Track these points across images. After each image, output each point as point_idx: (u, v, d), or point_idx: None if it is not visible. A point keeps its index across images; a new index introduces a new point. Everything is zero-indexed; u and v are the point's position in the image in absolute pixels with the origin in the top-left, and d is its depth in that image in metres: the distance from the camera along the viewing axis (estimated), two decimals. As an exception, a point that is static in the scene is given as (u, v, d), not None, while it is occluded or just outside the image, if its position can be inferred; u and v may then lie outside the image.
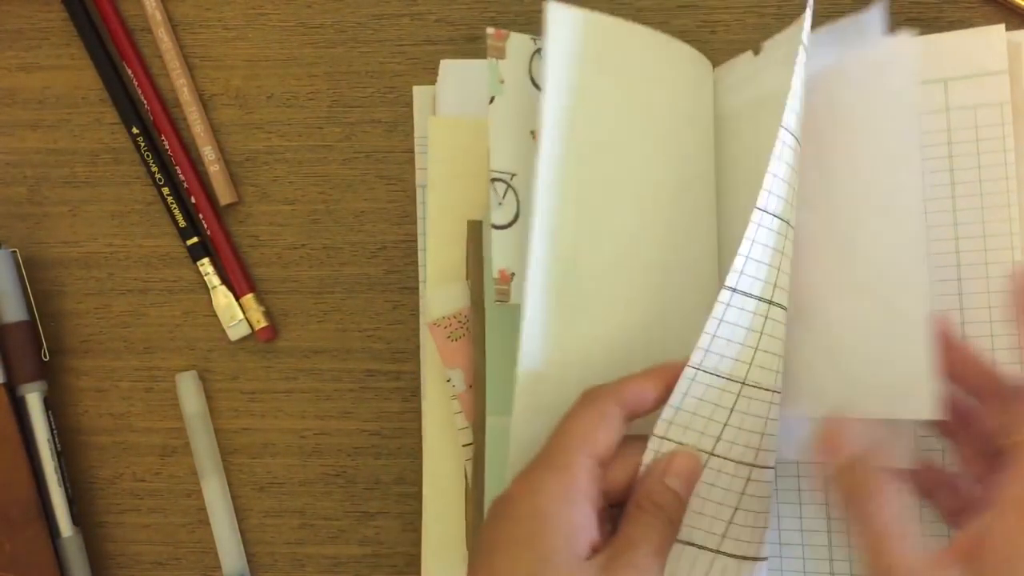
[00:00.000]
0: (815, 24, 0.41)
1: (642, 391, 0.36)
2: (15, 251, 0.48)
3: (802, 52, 0.38)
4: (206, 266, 0.48)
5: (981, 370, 0.38)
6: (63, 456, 0.47)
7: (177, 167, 0.49)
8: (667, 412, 0.37)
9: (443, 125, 0.46)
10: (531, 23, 0.48)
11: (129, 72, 0.49)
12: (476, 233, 0.45)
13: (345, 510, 0.48)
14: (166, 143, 0.49)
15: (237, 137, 0.49)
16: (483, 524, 0.36)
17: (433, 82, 0.47)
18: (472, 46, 0.48)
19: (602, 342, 0.40)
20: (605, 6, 0.48)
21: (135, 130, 0.49)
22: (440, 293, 0.45)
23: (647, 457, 0.36)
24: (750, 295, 0.37)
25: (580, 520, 0.34)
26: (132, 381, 0.49)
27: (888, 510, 0.33)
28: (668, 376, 0.37)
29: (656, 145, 0.42)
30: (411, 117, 0.48)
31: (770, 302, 0.38)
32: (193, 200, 0.49)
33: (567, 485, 0.34)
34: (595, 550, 0.34)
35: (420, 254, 0.47)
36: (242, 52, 0.49)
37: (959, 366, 0.38)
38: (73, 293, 0.50)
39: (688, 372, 0.36)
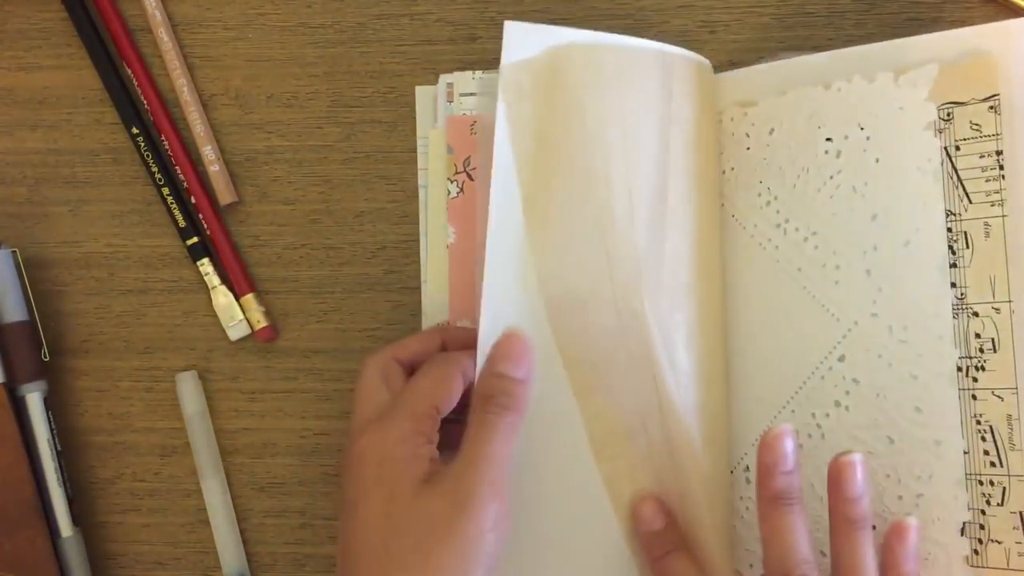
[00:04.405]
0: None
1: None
2: (15, 251, 0.48)
3: None
4: (206, 266, 0.48)
5: None
6: (63, 456, 0.47)
7: (177, 167, 0.49)
8: None
9: (443, 136, 0.46)
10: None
11: (129, 72, 0.49)
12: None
13: (345, 510, 0.48)
14: (166, 143, 0.49)
15: (237, 137, 0.49)
16: (344, 474, 0.39)
17: (433, 82, 0.47)
18: (472, 46, 0.48)
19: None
20: (604, 7, 0.48)
21: (135, 130, 0.49)
22: (436, 300, 0.46)
23: None
24: None
25: (419, 452, 0.38)
26: (132, 381, 0.49)
27: None
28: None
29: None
30: (411, 117, 0.48)
31: None
32: (193, 200, 0.49)
33: (406, 427, 0.38)
34: (434, 472, 0.38)
35: (422, 254, 0.47)
36: (242, 52, 0.49)
37: None
38: (73, 293, 0.50)
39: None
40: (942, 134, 0.41)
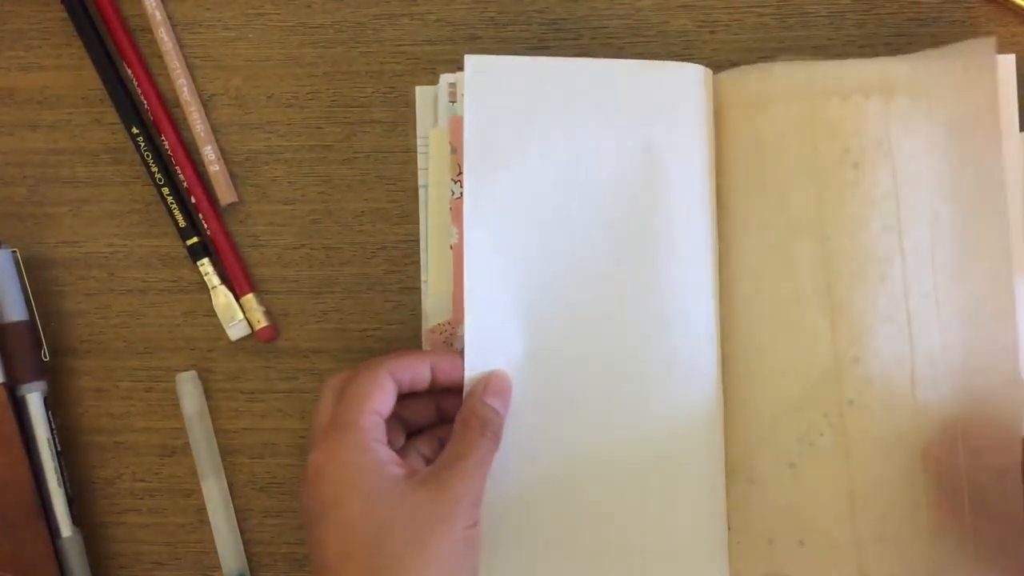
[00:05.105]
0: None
1: (413, 365, 0.42)
2: (15, 251, 0.48)
3: None
4: (206, 266, 0.48)
5: None
6: (63, 456, 0.47)
7: (177, 167, 0.49)
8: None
9: (444, 136, 0.46)
10: (531, 23, 0.48)
11: (129, 72, 0.49)
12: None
13: (345, 510, 0.48)
14: (166, 143, 0.49)
15: (237, 137, 0.49)
16: (303, 491, 0.40)
17: (433, 82, 0.47)
18: (472, 46, 0.48)
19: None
20: (604, 7, 0.48)
21: (135, 130, 0.49)
22: (436, 301, 0.45)
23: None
24: None
25: (382, 457, 0.39)
26: (132, 381, 0.49)
27: None
28: (435, 359, 0.42)
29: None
30: (411, 117, 0.48)
31: None
32: (193, 200, 0.49)
33: (358, 436, 0.39)
34: (410, 473, 0.39)
35: (422, 254, 0.47)
36: (242, 52, 0.49)
37: None
38: (73, 293, 0.50)
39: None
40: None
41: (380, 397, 0.40)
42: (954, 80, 0.43)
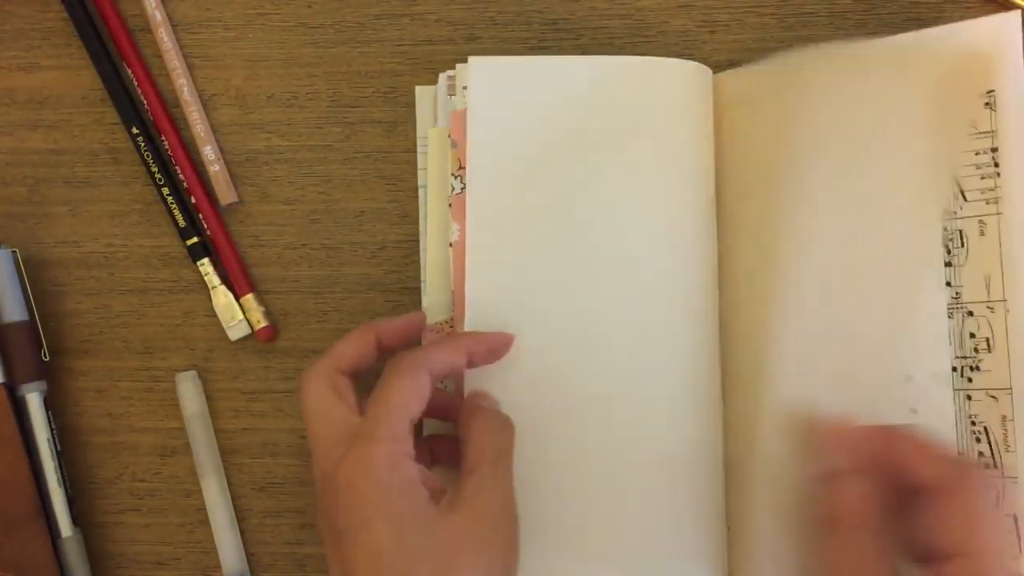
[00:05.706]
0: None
1: (450, 359, 0.40)
2: (15, 251, 0.48)
3: None
4: (206, 266, 0.48)
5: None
6: (63, 456, 0.47)
7: (177, 167, 0.49)
8: None
9: (444, 134, 0.46)
10: (531, 23, 0.48)
11: (129, 72, 0.49)
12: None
13: (345, 510, 0.48)
14: (166, 143, 0.49)
15: (237, 137, 0.49)
16: (327, 504, 0.37)
17: (433, 82, 0.47)
18: (472, 46, 0.48)
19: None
20: (604, 7, 0.48)
21: (135, 130, 0.49)
22: (436, 300, 0.45)
23: None
24: None
25: (413, 475, 0.37)
26: (132, 381, 0.49)
27: (861, 551, 0.34)
28: (470, 345, 0.41)
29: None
30: (411, 117, 0.48)
31: None
32: (193, 200, 0.49)
33: (395, 453, 0.37)
34: (435, 492, 0.37)
35: (422, 254, 0.47)
36: (242, 52, 0.49)
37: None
38: (73, 293, 0.50)
39: None
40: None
41: (419, 405, 0.38)
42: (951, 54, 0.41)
